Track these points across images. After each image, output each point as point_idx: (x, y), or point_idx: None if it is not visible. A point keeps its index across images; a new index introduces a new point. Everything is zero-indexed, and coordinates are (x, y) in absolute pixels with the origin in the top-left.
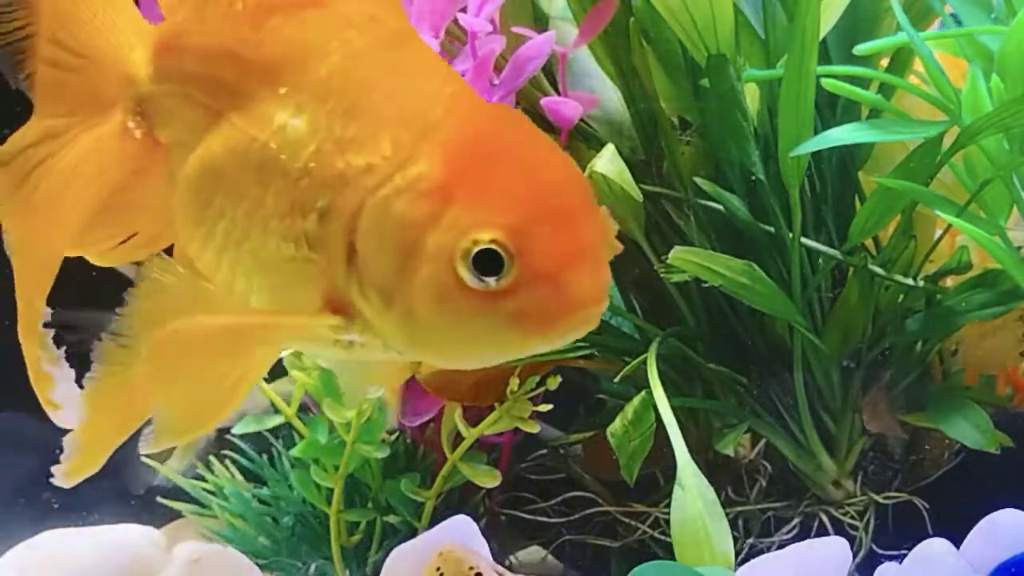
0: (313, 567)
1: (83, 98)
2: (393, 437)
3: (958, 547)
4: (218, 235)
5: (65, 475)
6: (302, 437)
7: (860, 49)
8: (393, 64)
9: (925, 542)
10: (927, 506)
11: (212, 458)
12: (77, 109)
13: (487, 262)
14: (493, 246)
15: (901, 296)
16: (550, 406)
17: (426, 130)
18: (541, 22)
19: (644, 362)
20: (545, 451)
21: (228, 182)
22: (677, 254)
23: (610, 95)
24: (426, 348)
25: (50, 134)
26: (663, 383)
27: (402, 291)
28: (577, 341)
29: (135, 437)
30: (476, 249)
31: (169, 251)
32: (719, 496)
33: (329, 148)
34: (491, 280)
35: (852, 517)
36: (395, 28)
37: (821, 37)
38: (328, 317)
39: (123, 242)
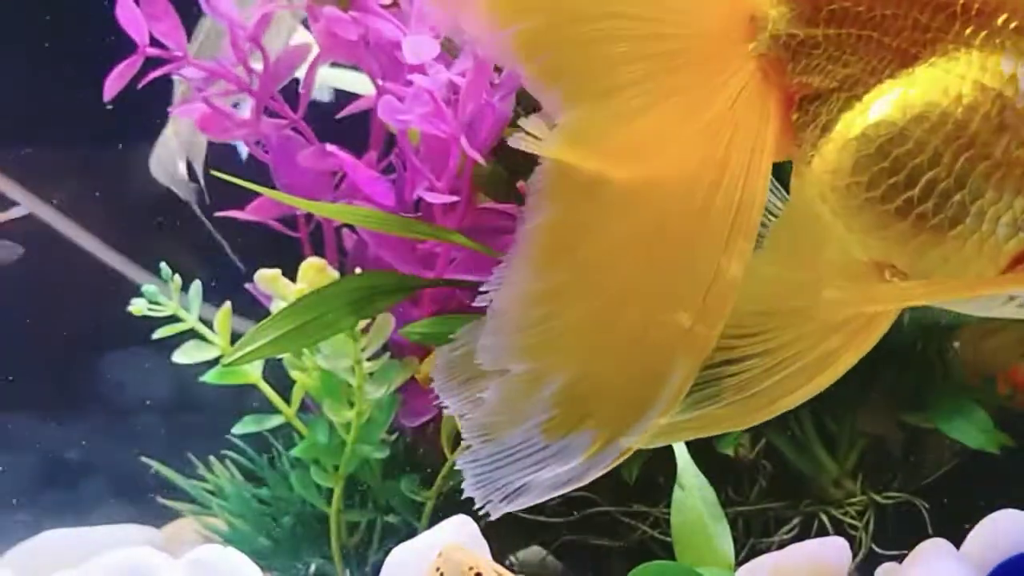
0: (313, 567)
1: (690, 58)
2: (393, 437)
3: (958, 547)
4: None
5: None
6: (302, 437)
7: None
8: None
9: (925, 542)
10: (927, 506)
11: (212, 458)
12: (683, 71)
13: None
14: None
15: None
16: None
17: None
18: None
19: None
20: None
21: (940, 133)
22: None
23: None
24: None
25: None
26: None
27: None
28: None
29: None
30: None
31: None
32: (719, 496)
33: None
34: None
35: (852, 517)
36: None
37: None
38: None
39: None
